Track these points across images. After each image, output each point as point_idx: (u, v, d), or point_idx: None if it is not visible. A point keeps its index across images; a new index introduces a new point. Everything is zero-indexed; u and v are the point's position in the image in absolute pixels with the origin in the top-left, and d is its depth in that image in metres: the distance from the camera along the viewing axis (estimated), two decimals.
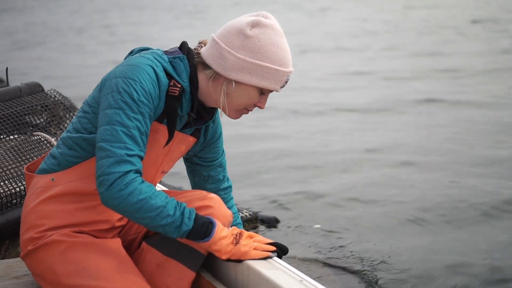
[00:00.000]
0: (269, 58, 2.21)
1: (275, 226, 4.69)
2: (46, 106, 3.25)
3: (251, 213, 4.63)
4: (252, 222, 4.57)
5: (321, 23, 21.30)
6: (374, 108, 8.96)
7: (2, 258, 2.90)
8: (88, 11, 32.78)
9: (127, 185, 2.07)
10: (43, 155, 2.51)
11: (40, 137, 3.15)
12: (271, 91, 2.27)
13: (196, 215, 2.16)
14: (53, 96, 3.33)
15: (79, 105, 2.91)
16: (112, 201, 2.09)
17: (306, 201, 5.34)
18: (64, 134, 2.33)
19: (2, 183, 2.93)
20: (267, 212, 4.88)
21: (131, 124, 2.11)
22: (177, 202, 2.16)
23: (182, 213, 2.13)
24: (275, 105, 8.73)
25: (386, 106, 9.01)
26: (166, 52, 2.30)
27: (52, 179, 2.27)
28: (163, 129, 2.27)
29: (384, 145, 7.04)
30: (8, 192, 2.93)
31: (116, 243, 2.30)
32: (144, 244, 2.39)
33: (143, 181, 2.11)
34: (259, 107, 2.31)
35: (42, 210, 2.26)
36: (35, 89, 3.33)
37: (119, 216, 2.34)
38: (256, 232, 4.45)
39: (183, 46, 2.31)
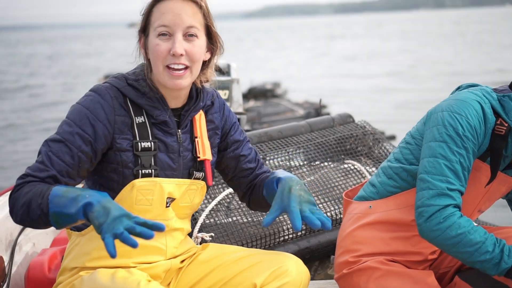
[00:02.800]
0: None
1: None
2: (356, 136, 3.37)
3: None
4: None
5: None
6: None
7: (312, 279, 3.04)
8: None
9: (446, 218, 2.07)
10: (360, 183, 2.61)
11: (350, 165, 3.27)
12: None
13: None
14: (363, 127, 3.44)
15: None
16: (429, 233, 2.10)
17: None
18: (384, 164, 2.39)
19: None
20: None
21: (454, 158, 2.11)
22: (496, 239, 2.09)
23: (502, 250, 2.07)
24: None
25: None
26: (495, 90, 2.25)
27: (370, 206, 2.34)
28: (485, 168, 2.22)
29: None
30: None
31: (429, 275, 2.29)
32: (457, 278, 2.35)
33: (461, 215, 2.09)
34: None
35: (358, 236, 2.34)
36: (347, 119, 3.48)
37: (432, 249, 2.32)
38: None
39: None
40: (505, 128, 2.18)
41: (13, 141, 14.55)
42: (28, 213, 1.78)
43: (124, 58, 2.10)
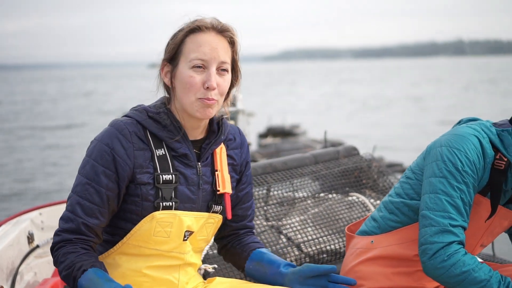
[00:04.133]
0: None
1: None
2: (361, 168, 3.35)
3: None
4: None
5: None
6: None
7: None
8: None
9: (450, 256, 2.05)
10: (364, 217, 2.60)
11: (355, 197, 3.24)
12: None
13: None
14: (367, 160, 3.42)
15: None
16: (434, 271, 2.08)
17: None
18: (385, 198, 2.38)
19: (317, 239, 3.05)
20: None
21: (455, 194, 2.09)
22: (501, 276, 2.07)
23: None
24: None
25: None
26: (495, 124, 2.25)
27: (372, 241, 2.33)
28: (485, 203, 2.21)
29: None
30: (322, 249, 3.03)
31: None
32: None
33: (466, 253, 2.07)
34: None
35: (361, 271, 2.32)
36: (351, 152, 3.46)
37: (435, 284, 2.29)
38: None
39: None
40: (504, 163, 2.17)
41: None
42: (65, 280, 1.90)
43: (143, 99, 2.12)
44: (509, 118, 2.26)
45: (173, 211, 1.96)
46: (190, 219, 2.00)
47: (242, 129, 3.43)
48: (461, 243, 2.08)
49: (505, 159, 2.16)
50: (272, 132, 18.82)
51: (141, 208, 1.95)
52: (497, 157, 2.17)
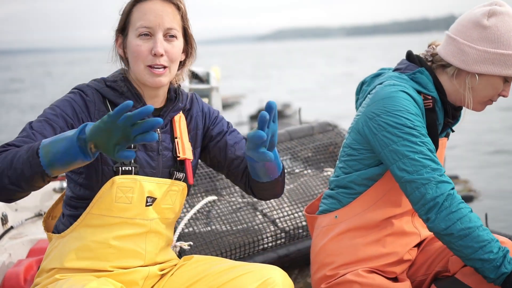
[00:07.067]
0: (511, 45, 2.16)
1: None
2: (336, 144, 3.34)
3: None
4: None
5: None
6: None
7: None
8: None
9: (458, 209, 2.06)
10: (317, 197, 2.57)
11: (330, 173, 3.24)
12: None
13: None
14: (342, 135, 3.42)
15: None
16: (440, 224, 2.08)
17: None
18: (333, 178, 2.38)
19: (293, 215, 3.05)
20: None
21: (422, 149, 2.12)
22: (501, 245, 2.08)
23: (504, 256, 2.06)
24: None
25: None
26: (399, 71, 2.30)
27: (336, 216, 2.31)
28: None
29: None
30: (298, 225, 3.04)
31: (406, 287, 2.25)
32: (433, 287, 2.30)
33: (471, 211, 2.09)
34: (503, 96, 2.26)
35: (331, 248, 2.30)
36: (326, 128, 3.46)
37: (406, 248, 2.30)
38: None
39: (411, 56, 2.32)
40: (430, 101, 2.24)
41: None
42: (12, 164, 1.69)
43: None
44: (404, 57, 2.33)
45: (133, 176, 1.96)
46: (152, 184, 1.99)
47: (216, 107, 3.40)
48: (454, 188, 2.11)
49: (430, 97, 2.23)
50: None
51: (101, 174, 1.94)
52: (423, 98, 2.23)
